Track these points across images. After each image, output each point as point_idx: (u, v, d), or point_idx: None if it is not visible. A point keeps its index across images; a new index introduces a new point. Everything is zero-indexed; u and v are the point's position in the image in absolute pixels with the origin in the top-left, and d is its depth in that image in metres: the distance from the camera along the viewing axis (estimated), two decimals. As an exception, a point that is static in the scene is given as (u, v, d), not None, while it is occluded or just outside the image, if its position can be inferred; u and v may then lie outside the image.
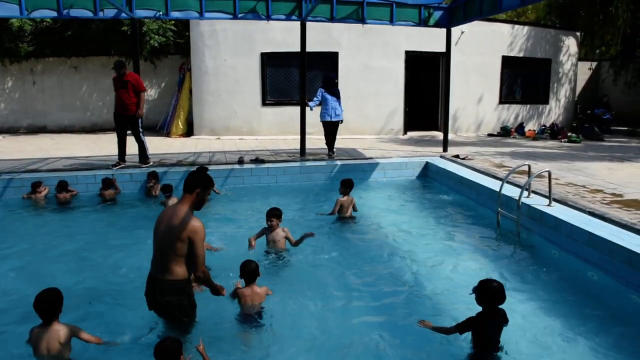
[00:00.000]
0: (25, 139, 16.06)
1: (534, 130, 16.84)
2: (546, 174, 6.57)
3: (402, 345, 4.02)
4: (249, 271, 4.45)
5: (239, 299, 4.44)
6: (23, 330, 3.85)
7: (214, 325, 4.27)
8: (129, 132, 9.84)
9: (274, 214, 5.93)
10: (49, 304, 3.65)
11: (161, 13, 10.01)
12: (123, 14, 9.88)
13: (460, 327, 3.80)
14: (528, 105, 17.82)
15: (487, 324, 3.73)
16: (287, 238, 5.96)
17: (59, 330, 3.63)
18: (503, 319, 3.80)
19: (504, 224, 6.79)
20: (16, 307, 4.61)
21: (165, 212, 4.01)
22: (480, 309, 3.80)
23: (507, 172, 7.87)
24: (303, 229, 6.40)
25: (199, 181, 3.95)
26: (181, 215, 3.81)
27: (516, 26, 17.43)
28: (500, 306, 3.78)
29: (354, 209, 7.47)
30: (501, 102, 17.33)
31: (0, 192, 8.89)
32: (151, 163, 9.93)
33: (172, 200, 7.74)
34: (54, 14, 9.60)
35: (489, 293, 3.71)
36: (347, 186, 7.36)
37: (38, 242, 6.63)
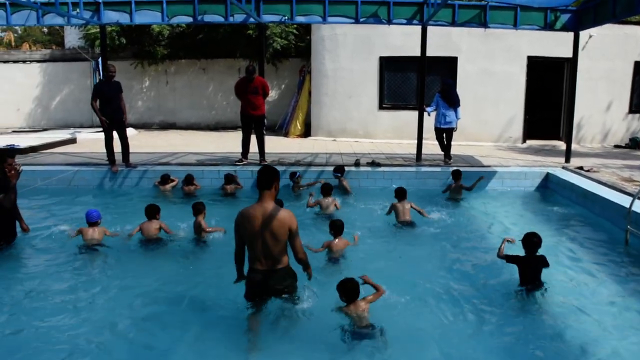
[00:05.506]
0: (157, 134, 17.45)
1: (669, 143, 15.51)
2: (684, 192, 6.14)
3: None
4: (337, 227, 5.91)
5: (329, 249, 5.89)
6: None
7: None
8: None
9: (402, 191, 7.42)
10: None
11: (286, 18, 10.47)
12: (251, 19, 10.43)
13: (508, 258, 5.16)
14: (663, 116, 16.48)
15: (528, 263, 5.01)
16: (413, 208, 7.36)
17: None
18: (542, 263, 5.01)
19: (633, 243, 6.42)
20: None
21: (256, 211, 4.25)
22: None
23: (637, 187, 7.40)
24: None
25: (274, 176, 4.31)
26: (276, 212, 4.22)
27: (653, 29, 16.17)
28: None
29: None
30: (631, 111, 16.15)
31: (136, 181, 9.94)
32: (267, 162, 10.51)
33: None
34: (190, 19, 10.40)
35: (530, 243, 5.02)
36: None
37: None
